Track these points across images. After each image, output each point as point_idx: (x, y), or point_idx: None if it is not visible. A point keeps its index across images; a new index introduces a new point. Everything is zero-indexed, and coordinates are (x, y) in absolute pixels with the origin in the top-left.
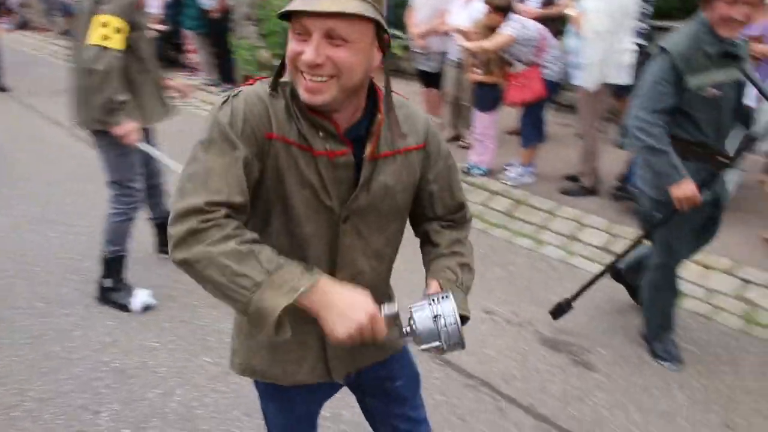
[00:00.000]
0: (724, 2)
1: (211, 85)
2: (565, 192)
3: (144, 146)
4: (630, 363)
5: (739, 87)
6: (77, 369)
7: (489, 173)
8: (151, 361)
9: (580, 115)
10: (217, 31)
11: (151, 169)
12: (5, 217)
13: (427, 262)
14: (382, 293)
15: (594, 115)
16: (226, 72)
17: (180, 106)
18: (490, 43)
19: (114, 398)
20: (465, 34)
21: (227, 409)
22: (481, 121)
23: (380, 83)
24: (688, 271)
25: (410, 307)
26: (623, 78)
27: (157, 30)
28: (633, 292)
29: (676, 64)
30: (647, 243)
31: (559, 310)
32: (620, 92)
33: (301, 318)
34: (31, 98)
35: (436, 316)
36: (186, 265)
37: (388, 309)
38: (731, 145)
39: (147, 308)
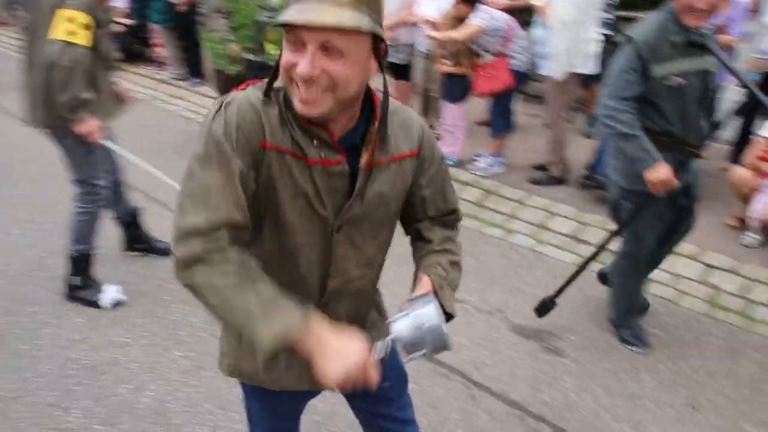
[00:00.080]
0: None
1: (179, 80)
2: (535, 181)
3: (108, 143)
4: (599, 348)
5: (705, 76)
6: (46, 367)
7: (459, 164)
8: (123, 357)
9: (547, 105)
10: (184, 25)
11: (112, 166)
12: None
13: (418, 258)
14: (370, 298)
15: (561, 104)
16: (194, 66)
17: (148, 100)
18: (458, 34)
19: (84, 395)
20: (433, 25)
21: (200, 402)
22: (450, 112)
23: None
24: None
25: (391, 321)
26: (589, 67)
27: (123, 24)
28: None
29: (641, 53)
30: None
31: (544, 308)
32: (587, 82)
33: None
34: None
35: (419, 326)
36: (190, 289)
37: (380, 350)
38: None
39: (117, 304)
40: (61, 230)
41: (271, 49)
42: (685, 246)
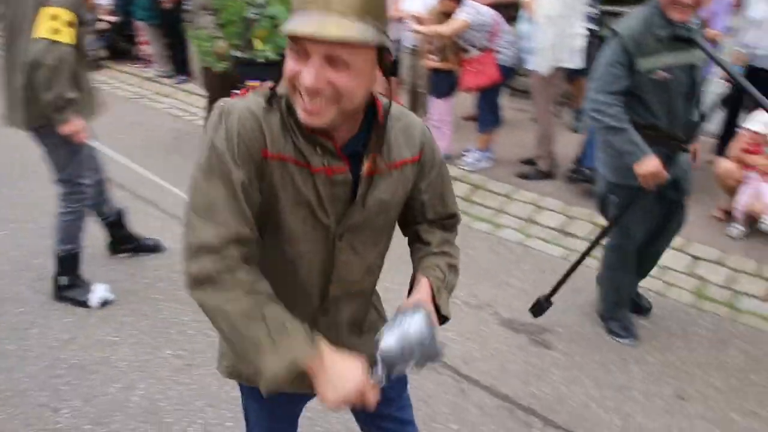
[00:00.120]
0: None
1: (165, 77)
2: (522, 176)
3: (93, 142)
4: (587, 341)
5: (691, 70)
6: (34, 367)
7: (447, 159)
8: (113, 356)
9: (534, 100)
10: (169, 22)
11: (95, 164)
12: None
13: (417, 259)
14: (369, 300)
15: (548, 99)
16: (179, 63)
17: (134, 98)
18: (445, 29)
19: (74, 395)
20: (419, 21)
21: (191, 400)
22: (437, 107)
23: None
24: None
25: (378, 338)
26: (575, 62)
27: (108, 21)
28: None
29: (627, 47)
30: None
31: (539, 308)
32: (573, 76)
33: None
34: None
35: (407, 338)
36: (200, 307)
37: (377, 375)
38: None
39: (105, 303)
40: (47, 230)
41: (258, 46)
42: None
